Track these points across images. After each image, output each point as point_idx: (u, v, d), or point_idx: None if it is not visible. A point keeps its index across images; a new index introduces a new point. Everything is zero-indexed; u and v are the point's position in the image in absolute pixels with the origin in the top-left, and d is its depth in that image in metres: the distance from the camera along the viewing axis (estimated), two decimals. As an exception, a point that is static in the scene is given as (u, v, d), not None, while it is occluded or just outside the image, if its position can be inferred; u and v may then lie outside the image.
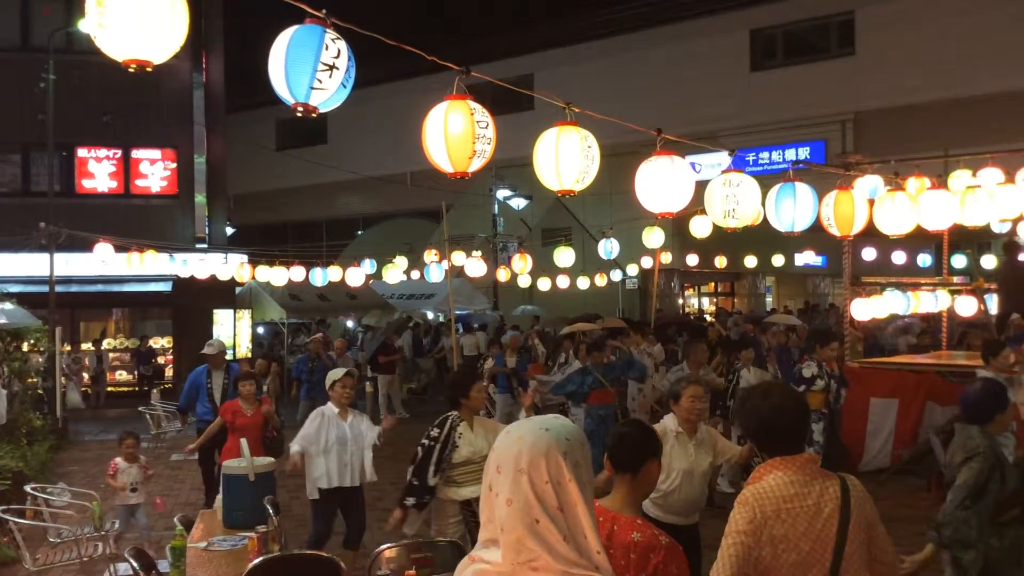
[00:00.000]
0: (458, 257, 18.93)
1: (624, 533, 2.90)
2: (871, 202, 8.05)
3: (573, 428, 1.87)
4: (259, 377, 11.19)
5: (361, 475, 6.95)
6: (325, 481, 6.80)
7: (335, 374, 7.06)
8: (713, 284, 32.65)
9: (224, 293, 20.70)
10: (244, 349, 21.64)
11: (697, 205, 7.29)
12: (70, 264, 17.96)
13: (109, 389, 20.27)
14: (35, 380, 14.09)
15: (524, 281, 20.94)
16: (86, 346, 20.87)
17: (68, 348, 18.73)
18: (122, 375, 20.91)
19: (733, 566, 2.85)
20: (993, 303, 14.24)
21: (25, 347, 13.52)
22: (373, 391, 17.06)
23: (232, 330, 21.26)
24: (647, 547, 2.84)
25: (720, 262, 22.56)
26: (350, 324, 25.96)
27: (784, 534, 2.86)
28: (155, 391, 16.68)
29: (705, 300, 32.68)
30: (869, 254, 20.27)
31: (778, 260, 23.81)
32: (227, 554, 5.26)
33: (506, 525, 1.74)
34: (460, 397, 5.87)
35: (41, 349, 14.63)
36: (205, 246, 21.09)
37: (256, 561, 4.71)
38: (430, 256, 19.95)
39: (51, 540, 7.24)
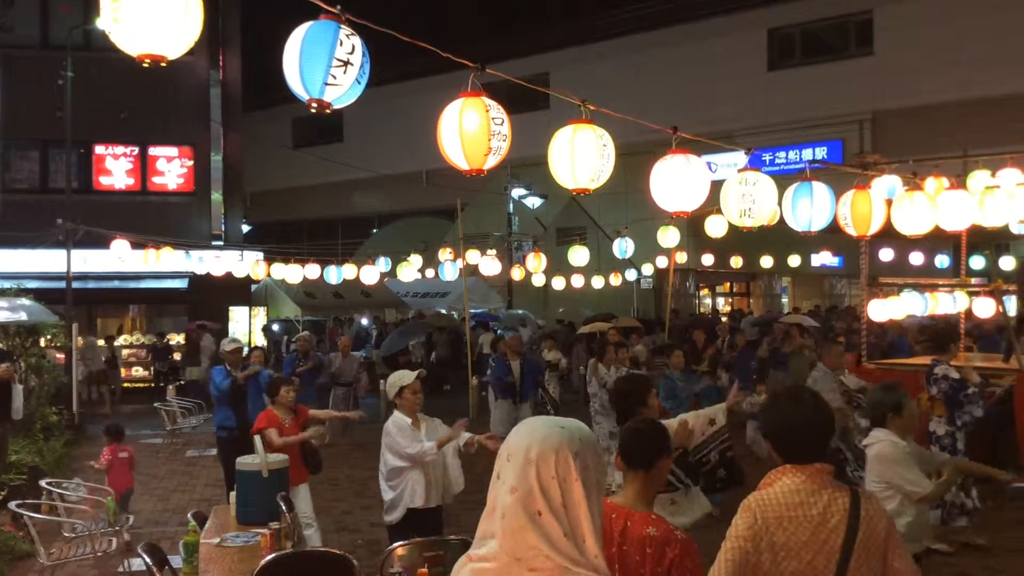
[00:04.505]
0: (473, 256, 18.93)
1: (639, 528, 2.91)
2: (889, 202, 7.97)
3: (588, 432, 1.87)
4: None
5: (446, 492, 6.09)
6: (408, 501, 5.94)
7: (403, 378, 6.04)
8: (728, 284, 32.54)
9: (240, 290, 20.79)
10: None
11: (713, 204, 7.25)
12: (87, 260, 18.09)
13: (125, 385, 20.37)
14: (56, 375, 14.14)
15: (538, 280, 20.90)
16: (101, 342, 20.99)
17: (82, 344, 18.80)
18: (138, 371, 21.00)
19: (729, 571, 2.83)
20: (1012, 304, 14.14)
21: (42, 343, 13.59)
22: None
23: (247, 327, 21.36)
24: (663, 541, 2.86)
25: (736, 262, 22.46)
26: (364, 322, 26.01)
27: (785, 542, 2.83)
28: (171, 387, 16.75)
29: (720, 300, 32.57)
30: (886, 255, 20.13)
31: (794, 260, 23.70)
32: (240, 550, 5.26)
33: (508, 512, 1.75)
34: (639, 407, 4.78)
35: (57, 344, 14.72)
36: (221, 243, 21.22)
37: (268, 558, 4.71)
38: (445, 254, 19.95)
39: (66, 535, 7.27)
